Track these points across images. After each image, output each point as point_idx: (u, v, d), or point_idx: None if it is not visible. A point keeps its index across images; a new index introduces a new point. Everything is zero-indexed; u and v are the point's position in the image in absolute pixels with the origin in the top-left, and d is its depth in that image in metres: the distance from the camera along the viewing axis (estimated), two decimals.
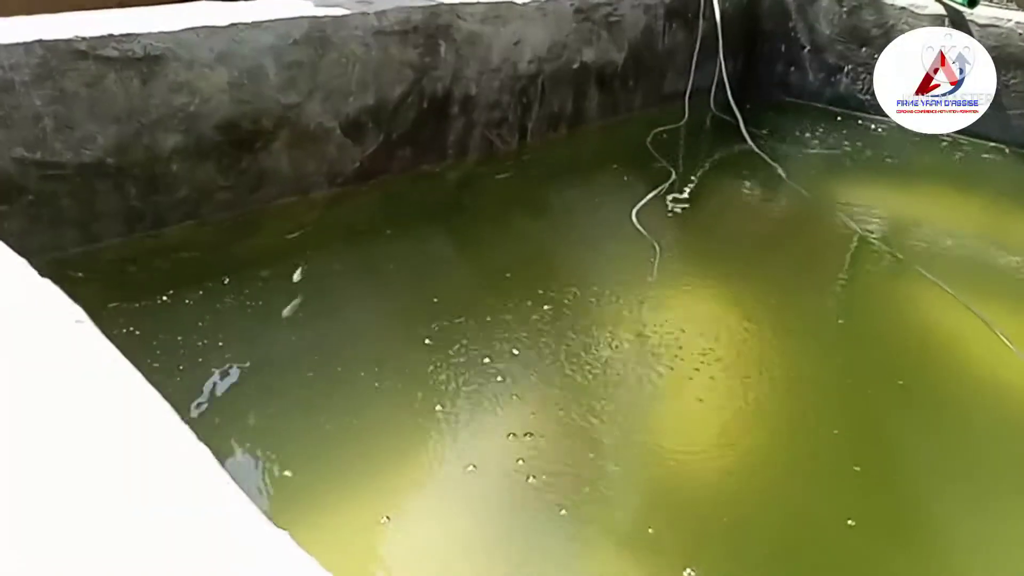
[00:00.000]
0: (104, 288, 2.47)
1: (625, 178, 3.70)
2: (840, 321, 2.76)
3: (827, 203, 3.49)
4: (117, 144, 2.52)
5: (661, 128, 4.11)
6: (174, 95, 2.59)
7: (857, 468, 2.00)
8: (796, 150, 4.11)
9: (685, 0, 4.26)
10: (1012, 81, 3.70)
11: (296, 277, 2.54)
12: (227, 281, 2.51)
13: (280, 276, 2.58)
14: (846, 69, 4.48)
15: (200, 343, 2.23)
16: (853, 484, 1.98)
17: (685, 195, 3.47)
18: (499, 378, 2.21)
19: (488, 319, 2.45)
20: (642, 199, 3.33)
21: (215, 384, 2.11)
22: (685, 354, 2.37)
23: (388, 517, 1.77)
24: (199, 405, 2.04)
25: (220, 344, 2.23)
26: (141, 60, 2.49)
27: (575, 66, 3.81)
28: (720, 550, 1.79)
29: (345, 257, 2.83)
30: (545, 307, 2.53)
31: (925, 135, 3.80)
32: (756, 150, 3.91)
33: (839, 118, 4.47)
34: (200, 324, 2.31)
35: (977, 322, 2.63)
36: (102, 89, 2.45)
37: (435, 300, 2.52)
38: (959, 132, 3.77)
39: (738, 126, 4.07)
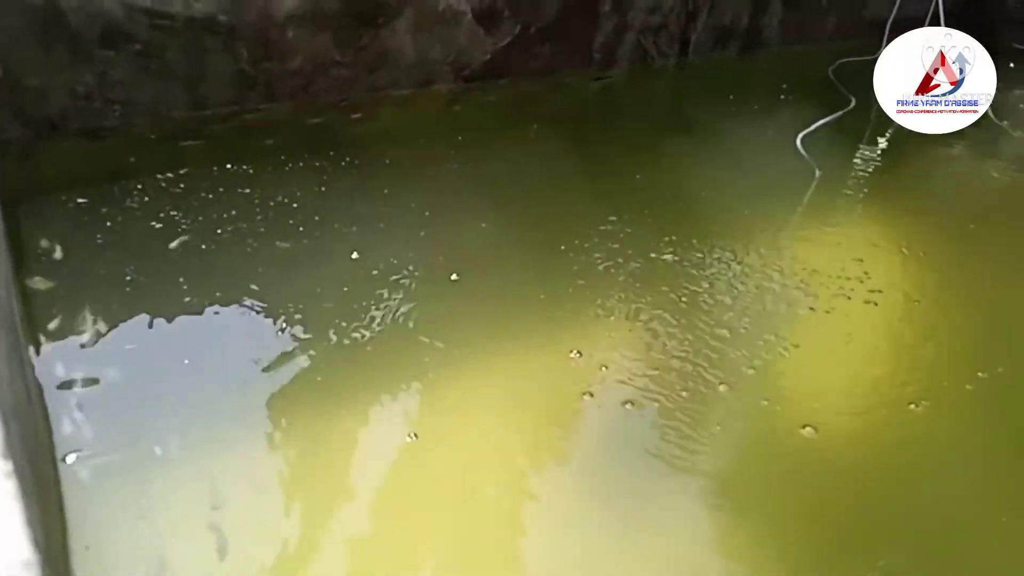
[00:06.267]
0: (208, 153, 2.37)
1: (797, 106, 3.19)
2: None
3: None
4: (231, 0, 2.39)
5: (851, 58, 3.53)
6: None
7: None
8: (1020, 101, 3.40)
9: None
10: None
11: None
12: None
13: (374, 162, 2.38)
14: None
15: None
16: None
17: (871, 128, 2.95)
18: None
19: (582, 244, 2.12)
20: (811, 125, 2.84)
21: None
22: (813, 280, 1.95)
23: None
24: None
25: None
26: None
27: None
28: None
29: (446, 163, 2.51)
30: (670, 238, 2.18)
31: None
32: None
33: None
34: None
35: None
36: None
37: (540, 217, 2.23)
38: None
39: None
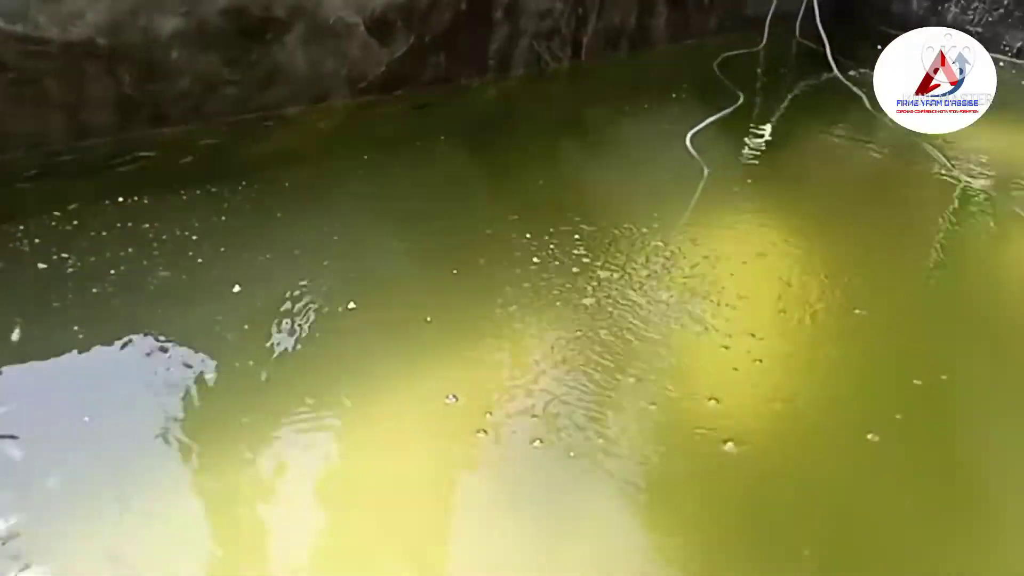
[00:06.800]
0: (97, 186, 2.26)
1: (686, 103, 3.29)
2: (924, 266, 2.33)
3: (916, 140, 3.01)
4: (110, 22, 2.29)
5: (734, 52, 3.67)
6: None
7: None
8: None
9: None
10: None
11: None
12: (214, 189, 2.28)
13: (273, 185, 2.33)
14: None
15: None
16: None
17: (755, 122, 3.10)
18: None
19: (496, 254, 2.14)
20: (701, 123, 2.94)
21: None
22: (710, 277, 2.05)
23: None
24: None
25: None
26: None
27: None
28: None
29: (348, 183, 2.47)
30: (568, 235, 2.22)
31: None
32: (842, 79, 3.46)
33: None
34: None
35: None
36: None
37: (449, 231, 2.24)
38: None
39: (825, 55, 3.59)
